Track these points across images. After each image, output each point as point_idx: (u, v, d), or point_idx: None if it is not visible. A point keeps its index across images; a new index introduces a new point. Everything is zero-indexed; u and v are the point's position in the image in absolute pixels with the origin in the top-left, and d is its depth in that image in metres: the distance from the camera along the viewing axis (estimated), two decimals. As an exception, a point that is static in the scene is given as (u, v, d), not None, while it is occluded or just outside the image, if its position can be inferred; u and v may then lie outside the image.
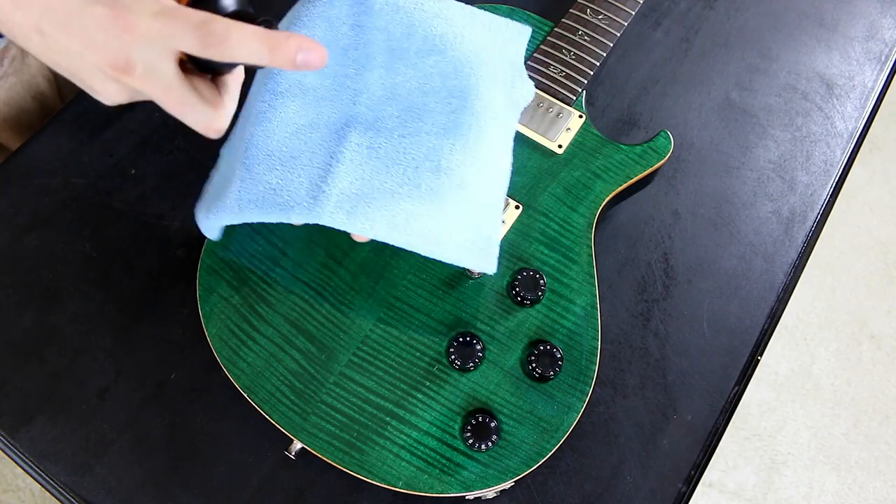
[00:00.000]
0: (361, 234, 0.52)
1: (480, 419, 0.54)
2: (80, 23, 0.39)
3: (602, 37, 0.68)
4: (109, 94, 0.42)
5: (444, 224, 0.52)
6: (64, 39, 0.40)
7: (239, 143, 0.55)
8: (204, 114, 0.43)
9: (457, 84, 0.54)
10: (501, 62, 0.56)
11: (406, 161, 0.53)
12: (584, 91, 0.67)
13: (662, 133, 0.66)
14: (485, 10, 0.71)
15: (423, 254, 0.53)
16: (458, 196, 0.52)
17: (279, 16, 0.56)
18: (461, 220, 0.53)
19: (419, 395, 0.56)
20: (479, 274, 0.59)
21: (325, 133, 0.54)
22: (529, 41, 0.69)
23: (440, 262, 0.59)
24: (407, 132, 0.54)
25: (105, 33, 0.39)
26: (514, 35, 0.57)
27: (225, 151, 0.58)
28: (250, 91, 0.56)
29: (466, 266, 0.54)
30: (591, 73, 0.67)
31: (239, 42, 0.39)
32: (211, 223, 0.56)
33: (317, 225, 0.52)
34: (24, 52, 0.75)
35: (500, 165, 0.56)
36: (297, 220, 0.52)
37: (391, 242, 0.52)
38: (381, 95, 0.55)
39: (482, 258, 0.54)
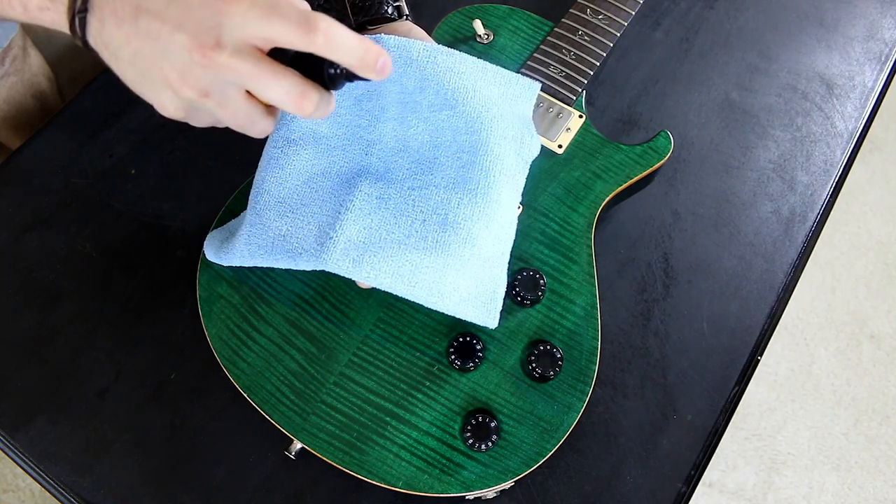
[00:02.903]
0: (366, 282, 0.53)
1: (480, 419, 0.54)
2: (184, 0, 0.40)
3: (602, 37, 0.68)
4: (173, 102, 0.43)
5: (448, 277, 0.53)
6: (158, 20, 0.40)
7: (251, 189, 0.56)
8: (264, 118, 0.44)
9: (468, 139, 0.55)
10: (511, 118, 0.57)
11: (414, 213, 0.54)
12: (584, 91, 0.67)
13: (662, 133, 0.66)
14: (485, 10, 0.71)
15: (425, 305, 0.53)
16: (463, 250, 0.53)
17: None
18: (466, 274, 0.54)
19: (419, 395, 0.56)
20: None
21: (336, 182, 0.55)
22: (529, 41, 0.69)
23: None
24: (417, 185, 0.55)
25: (204, 10, 0.39)
26: (524, 91, 0.57)
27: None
28: None
29: (468, 319, 0.55)
30: (591, 73, 0.67)
31: (340, 38, 0.40)
32: (219, 261, 0.58)
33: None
34: (24, 52, 0.75)
35: (507, 221, 0.56)
36: (305, 266, 0.53)
37: (394, 292, 0.53)
38: (392, 147, 0.56)
39: (484, 312, 0.55)
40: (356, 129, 0.56)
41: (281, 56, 0.42)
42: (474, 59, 0.55)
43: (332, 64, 0.42)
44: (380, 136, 0.56)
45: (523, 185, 0.58)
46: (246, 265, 0.56)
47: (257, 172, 0.56)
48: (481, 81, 0.55)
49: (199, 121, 0.45)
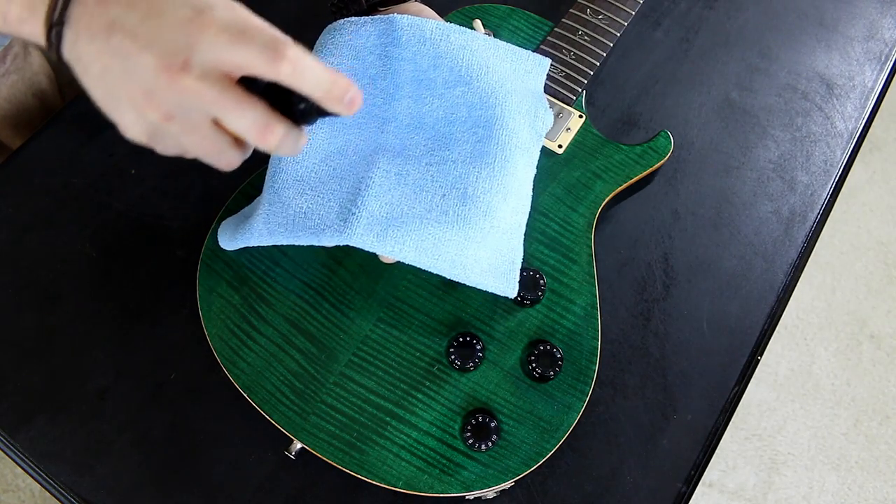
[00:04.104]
0: (391, 256, 0.53)
1: (480, 419, 0.54)
2: (157, 20, 0.39)
3: (602, 37, 0.68)
4: (137, 123, 0.41)
5: (469, 249, 0.53)
6: (130, 38, 0.39)
7: (267, 170, 0.57)
8: (231, 150, 0.43)
9: (482, 114, 0.56)
10: (524, 92, 0.58)
11: (433, 188, 0.54)
12: (584, 91, 0.67)
13: (662, 133, 0.66)
14: (485, 10, 0.71)
15: (448, 276, 0.54)
16: (483, 223, 0.53)
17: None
18: (486, 245, 0.54)
19: (419, 395, 0.56)
20: None
21: (354, 160, 0.56)
22: (529, 41, 0.69)
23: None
24: (434, 160, 0.55)
25: (176, 31, 0.38)
26: (535, 66, 0.59)
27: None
28: None
29: (488, 289, 0.55)
30: (591, 73, 0.67)
31: (307, 68, 0.39)
32: (235, 244, 0.58)
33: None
34: (26, 50, 0.75)
35: (523, 193, 0.57)
36: (329, 242, 0.53)
37: (418, 265, 0.53)
38: (408, 124, 0.57)
39: (504, 282, 0.55)
40: (371, 108, 0.57)
41: (254, 86, 0.40)
42: (485, 36, 0.56)
43: (302, 98, 0.41)
44: (395, 114, 0.57)
45: (538, 158, 0.59)
46: (265, 244, 0.56)
47: (272, 155, 0.56)
48: (493, 58, 0.56)
49: (165, 147, 0.43)
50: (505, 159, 0.55)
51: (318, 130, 0.55)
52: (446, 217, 0.53)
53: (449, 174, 0.55)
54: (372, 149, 0.56)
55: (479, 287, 0.55)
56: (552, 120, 0.60)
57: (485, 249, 0.54)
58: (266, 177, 0.56)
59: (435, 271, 0.53)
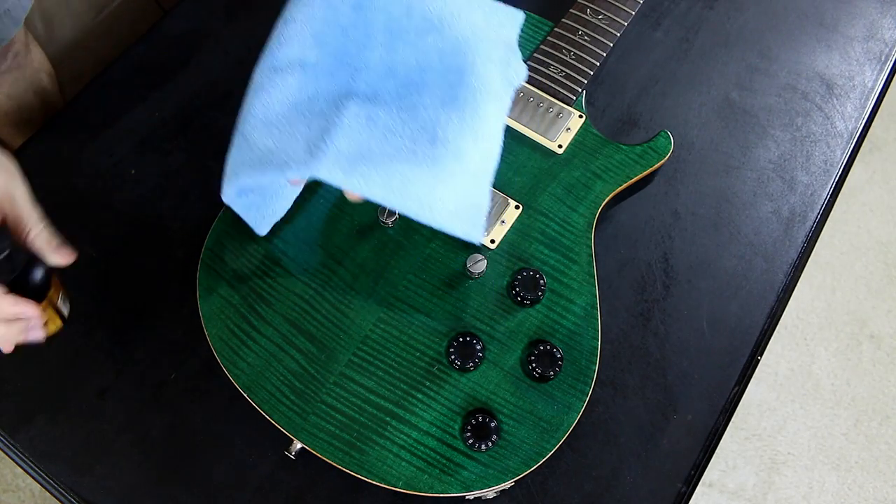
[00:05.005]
0: (357, 192, 0.52)
1: (480, 419, 0.54)
2: None
3: (602, 37, 0.68)
4: None
5: (437, 190, 0.53)
6: None
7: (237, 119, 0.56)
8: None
9: (454, 61, 0.55)
10: (496, 42, 0.58)
11: (404, 131, 0.54)
12: (584, 91, 0.67)
13: (662, 133, 0.66)
14: (485, 10, 0.71)
15: (413, 217, 0.53)
16: (453, 165, 0.53)
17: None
18: (454, 188, 0.54)
19: (419, 395, 0.56)
20: (479, 274, 0.59)
21: (324, 105, 0.55)
22: (529, 41, 0.69)
23: (440, 261, 0.60)
24: (405, 105, 0.55)
25: None
26: (509, 18, 0.58)
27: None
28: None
29: (454, 233, 0.55)
30: (591, 73, 0.67)
31: None
32: (225, 198, 0.57)
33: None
34: (27, 47, 0.75)
35: (493, 139, 0.57)
36: (294, 175, 0.53)
37: (384, 203, 0.53)
38: (380, 72, 0.57)
39: (470, 226, 0.55)
40: (343, 56, 0.57)
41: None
42: None
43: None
44: (367, 63, 0.57)
45: (509, 108, 0.58)
46: (234, 186, 0.56)
47: (244, 101, 0.56)
48: (466, 7, 0.56)
49: None
50: (476, 104, 0.54)
51: (288, 78, 0.55)
52: (415, 157, 0.53)
53: (420, 118, 0.54)
54: (343, 95, 0.56)
55: (445, 230, 0.54)
56: (525, 72, 0.59)
57: (453, 192, 0.54)
58: (235, 124, 0.56)
59: (402, 210, 0.53)
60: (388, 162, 0.52)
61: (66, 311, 0.59)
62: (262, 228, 0.60)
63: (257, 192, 0.59)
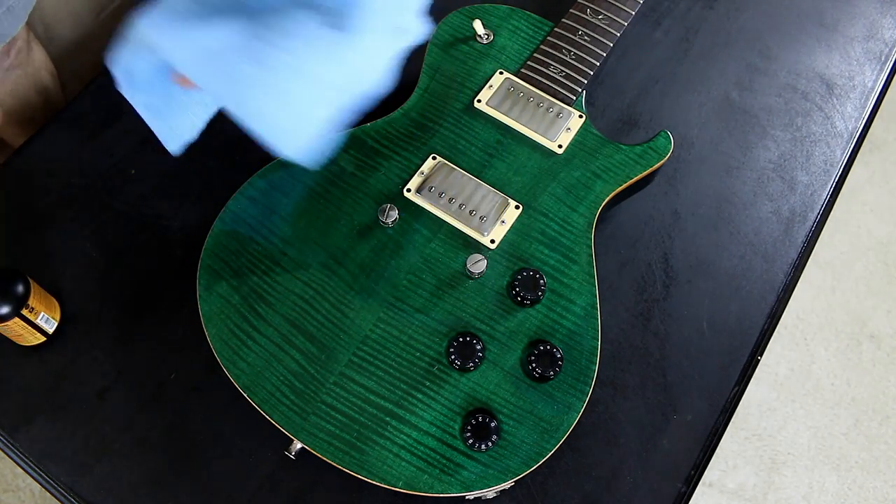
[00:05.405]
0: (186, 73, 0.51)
1: (480, 419, 0.54)
2: None
3: (602, 37, 0.68)
4: None
5: (270, 99, 0.52)
6: None
7: None
8: None
9: None
10: None
11: (265, 36, 0.52)
12: (584, 91, 0.67)
13: (662, 133, 0.66)
14: (485, 10, 0.71)
15: (233, 115, 0.52)
16: (293, 82, 0.52)
17: None
18: (286, 101, 0.52)
19: (419, 395, 0.56)
20: (479, 274, 0.59)
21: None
22: (529, 41, 0.69)
23: (440, 261, 0.60)
24: (287, 14, 0.54)
25: None
26: None
27: None
28: None
29: (268, 140, 0.53)
30: (591, 73, 0.67)
31: None
32: (118, 83, 0.55)
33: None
34: (29, 45, 0.75)
35: (355, 71, 0.54)
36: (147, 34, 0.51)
37: (206, 88, 0.52)
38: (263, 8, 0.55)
39: (286, 139, 0.53)
40: None
41: None
42: None
43: None
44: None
45: (393, 55, 0.55)
46: (117, 69, 0.54)
47: None
48: None
49: None
50: (354, 27, 0.52)
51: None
52: (258, 55, 0.52)
53: (286, 22, 0.53)
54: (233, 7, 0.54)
55: (263, 137, 0.52)
56: (423, 32, 0.56)
57: (283, 104, 0.52)
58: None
59: (229, 108, 0.52)
60: (234, 55, 0.51)
61: (49, 327, 0.60)
62: (172, 144, 0.58)
63: (151, 93, 0.57)
